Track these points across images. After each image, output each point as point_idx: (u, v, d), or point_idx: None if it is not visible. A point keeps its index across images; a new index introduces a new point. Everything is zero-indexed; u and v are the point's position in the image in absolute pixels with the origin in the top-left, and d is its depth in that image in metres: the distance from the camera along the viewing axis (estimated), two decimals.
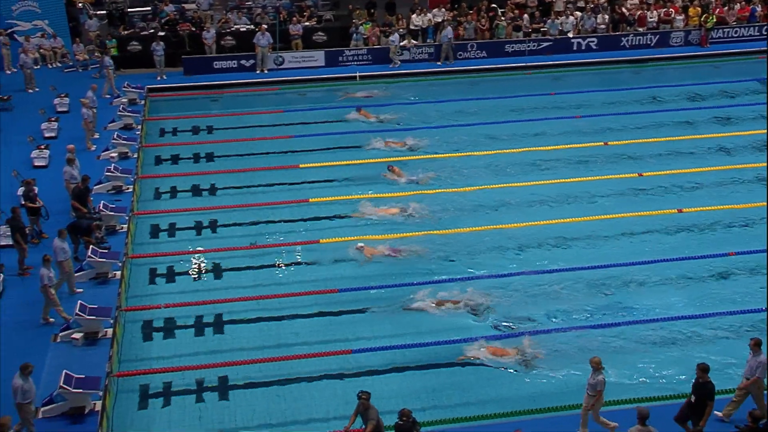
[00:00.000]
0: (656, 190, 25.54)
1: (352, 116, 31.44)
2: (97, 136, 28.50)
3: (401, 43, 36.16)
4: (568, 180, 26.22)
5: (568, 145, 28.70)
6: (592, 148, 28.48)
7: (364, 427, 15.08)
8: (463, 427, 16.32)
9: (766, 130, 27.50)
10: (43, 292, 18.92)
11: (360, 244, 22.31)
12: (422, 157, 28.00)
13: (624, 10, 38.79)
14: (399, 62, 36.01)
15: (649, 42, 37.76)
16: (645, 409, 14.36)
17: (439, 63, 36.32)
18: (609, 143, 28.84)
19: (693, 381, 15.14)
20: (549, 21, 37.75)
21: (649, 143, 28.64)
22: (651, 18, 38.35)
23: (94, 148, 27.58)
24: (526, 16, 37.84)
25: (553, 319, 19.59)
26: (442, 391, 17.48)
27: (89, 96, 28.71)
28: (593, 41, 37.47)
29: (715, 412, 15.46)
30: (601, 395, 15.27)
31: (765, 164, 25.92)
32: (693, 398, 14.95)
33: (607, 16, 38.17)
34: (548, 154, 28.09)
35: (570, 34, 37.56)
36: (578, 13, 38.35)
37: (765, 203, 23.24)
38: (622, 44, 37.66)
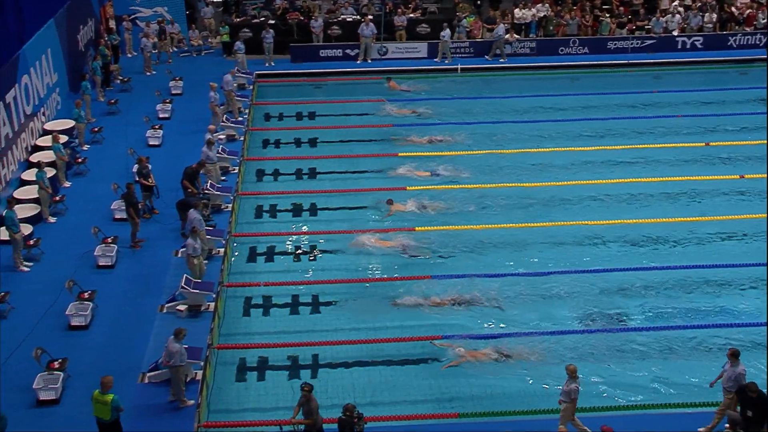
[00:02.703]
0: (759, 193, 25.02)
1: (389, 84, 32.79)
2: (240, 118, 29.71)
3: (505, 36, 36.33)
4: (666, 179, 26.06)
5: (668, 144, 28.50)
6: (693, 149, 28.16)
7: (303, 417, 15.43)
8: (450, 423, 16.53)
9: (766, 140, 26.65)
10: (187, 260, 19.98)
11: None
12: (518, 151, 28.20)
13: (733, 9, 38.03)
14: (451, 58, 36.05)
15: (757, 42, 36.82)
16: (736, 414, 14.45)
17: (487, 58, 36.22)
18: (711, 144, 28.46)
19: (743, 398, 14.98)
20: (654, 19, 37.34)
21: (752, 145, 27.99)
22: (763, 19, 37.46)
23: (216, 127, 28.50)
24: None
25: (641, 316, 19.78)
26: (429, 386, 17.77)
27: (227, 79, 29.89)
28: (699, 40, 36.82)
29: (699, 430, 15.67)
30: (575, 403, 15.30)
31: None
32: (749, 413, 14.82)
33: (715, 15, 37.50)
34: (646, 152, 27.94)
35: (675, 32, 37.07)
36: (681, 9, 37.80)
37: None
38: (729, 44, 36.88)
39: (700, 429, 15.71)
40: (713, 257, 21.95)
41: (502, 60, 36.05)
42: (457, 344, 18.47)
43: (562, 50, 36.62)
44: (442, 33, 35.72)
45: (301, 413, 15.51)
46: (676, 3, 38.02)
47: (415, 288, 20.70)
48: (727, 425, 15.52)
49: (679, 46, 36.85)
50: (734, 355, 15.40)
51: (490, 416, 16.49)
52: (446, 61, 35.90)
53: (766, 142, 26.32)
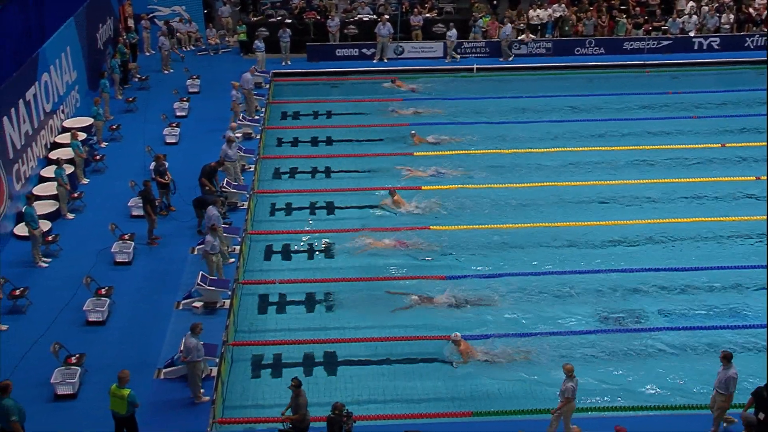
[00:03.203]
0: None
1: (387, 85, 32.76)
2: (256, 117, 29.96)
3: (519, 38, 36.38)
4: (681, 180, 26.07)
5: (683, 145, 28.48)
6: (708, 150, 28.13)
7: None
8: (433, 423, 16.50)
9: (766, 141, 26.66)
10: (205, 257, 20.14)
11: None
12: (532, 150, 28.26)
13: (751, 9, 37.88)
14: (458, 58, 36.12)
15: None
16: (752, 417, 14.41)
17: (501, 60, 36.27)
18: (726, 145, 28.41)
19: (759, 400, 14.95)
20: (670, 19, 37.28)
21: None
22: None
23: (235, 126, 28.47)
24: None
25: (658, 316, 19.82)
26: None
27: (246, 78, 30.12)
28: (716, 41, 36.76)
29: None
30: (569, 402, 15.32)
31: None
32: (762, 416, 14.76)
33: (732, 16, 37.40)
34: (662, 153, 27.95)
35: (692, 33, 37.00)
36: (706, 8, 37.67)
37: None
38: (746, 45, 36.75)
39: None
40: (730, 259, 21.92)
41: (509, 59, 36.08)
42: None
43: (578, 51, 36.62)
44: (448, 33, 35.85)
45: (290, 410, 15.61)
46: (692, 4, 37.90)
47: (428, 287, 20.79)
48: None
49: (696, 47, 36.80)
50: (726, 358, 15.37)
51: (504, 415, 16.53)
52: (455, 60, 35.99)
53: (766, 143, 26.40)
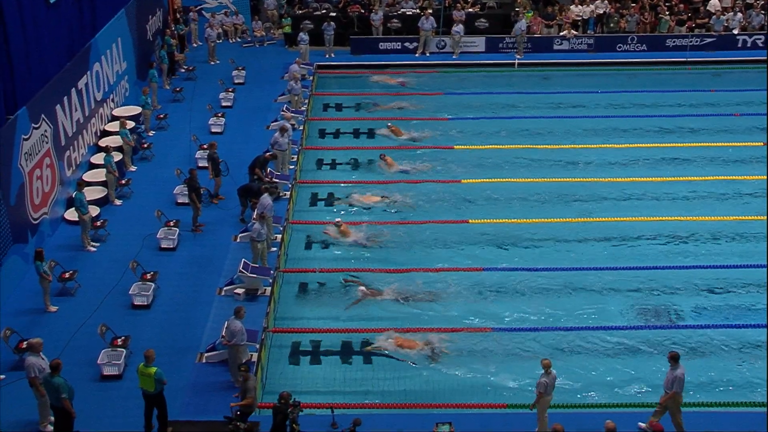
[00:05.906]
0: None
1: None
2: (303, 108, 30.38)
3: (561, 33, 36.39)
4: (721, 178, 26.01)
5: (725, 143, 28.38)
6: (749, 148, 27.99)
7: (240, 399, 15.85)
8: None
9: (766, 142, 26.36)
10: (251, 244, 20.58)
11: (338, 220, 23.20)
12: (570, 146, 28.35)
13: None
14: (458, 53, 36.21)
15: None
16: None
17: (518, 57, 36.10)
18: None
19: None
20: (714, 17, 37.02)
21: None
22: None
23: (290, 115, 28.91)
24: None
25: (689, 314, 19.96)
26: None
27: (294, 69, 30.61)
28: (760, 38, 36.40)
29: (639, 423, 15.73)
30: (542, 396, 15.36)
31: None
32: None
33: None
34: (702, 150, 27.90)
35: (735, 31, 36.73)
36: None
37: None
38: None
39: (641, 424, 15.81)
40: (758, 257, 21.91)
41: (518, 56, 36.06)
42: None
43: (620, 47, 36.47)
44: (455, 29, 36.01)
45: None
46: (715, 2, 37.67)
47: (464, 280, 21.05)
48: None
49: (740, 45, 36.49)
50: (674, 359, 15.39)
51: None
52: (454, 56, 36.23)
53: (766, 143, 26.31)
